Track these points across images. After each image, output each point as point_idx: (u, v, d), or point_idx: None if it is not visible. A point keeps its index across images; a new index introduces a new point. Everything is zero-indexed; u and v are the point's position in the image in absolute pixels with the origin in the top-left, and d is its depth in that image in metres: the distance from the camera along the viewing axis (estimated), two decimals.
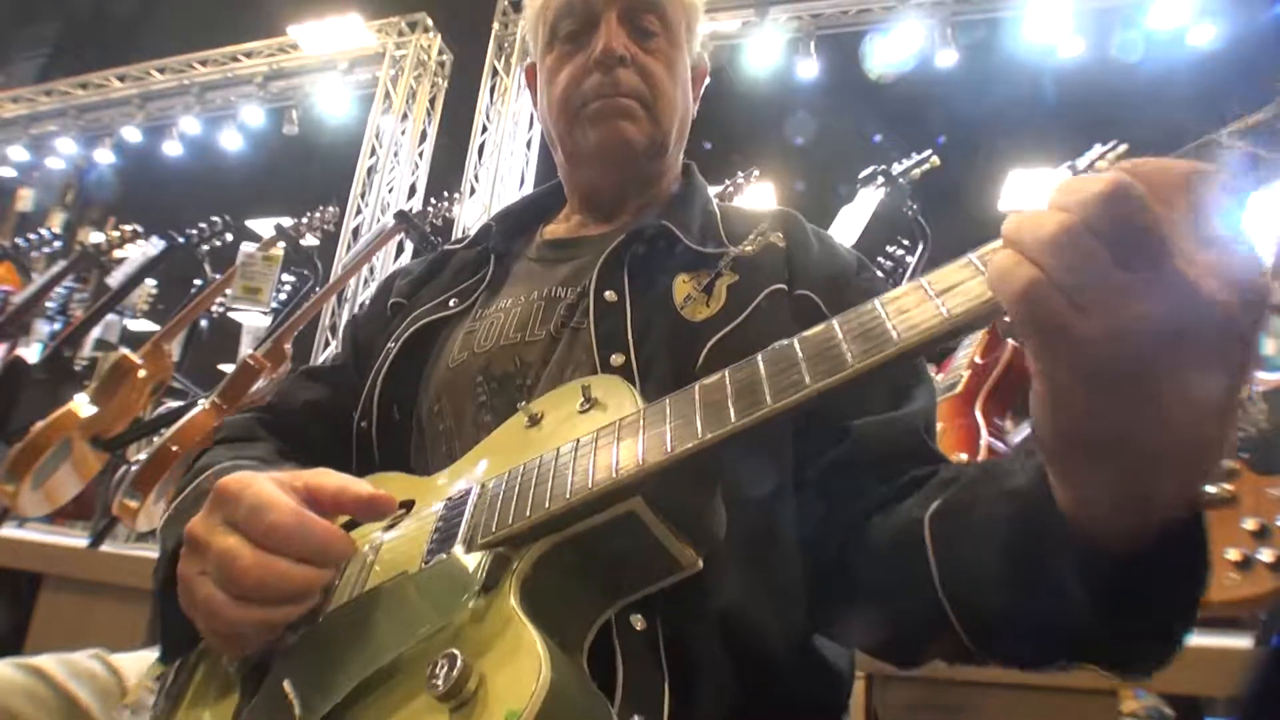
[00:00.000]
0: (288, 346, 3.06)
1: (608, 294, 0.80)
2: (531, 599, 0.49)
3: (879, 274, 0.92)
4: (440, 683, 0.44)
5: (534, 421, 0.64)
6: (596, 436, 0.53)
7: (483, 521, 0.54)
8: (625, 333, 0.77)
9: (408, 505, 0.68)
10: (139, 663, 0.82)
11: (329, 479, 0.61)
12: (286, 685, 0.54)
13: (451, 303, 0.92)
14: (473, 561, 0.52)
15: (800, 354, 0.49)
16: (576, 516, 0.50)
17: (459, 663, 0.44)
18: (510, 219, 1.02)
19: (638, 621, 0.60)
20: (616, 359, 0.75)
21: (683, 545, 0.52)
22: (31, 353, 3.41)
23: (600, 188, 0.97)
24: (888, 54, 4.18)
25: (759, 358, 0.50)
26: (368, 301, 1.08)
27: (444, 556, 0.54)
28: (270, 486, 0.58)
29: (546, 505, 0.51)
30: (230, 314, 3.66)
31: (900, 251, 2.70)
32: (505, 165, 4.77)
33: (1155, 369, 0.38)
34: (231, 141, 5.62)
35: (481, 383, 0.80)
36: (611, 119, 0.90)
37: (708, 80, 1.06)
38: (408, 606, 0.53)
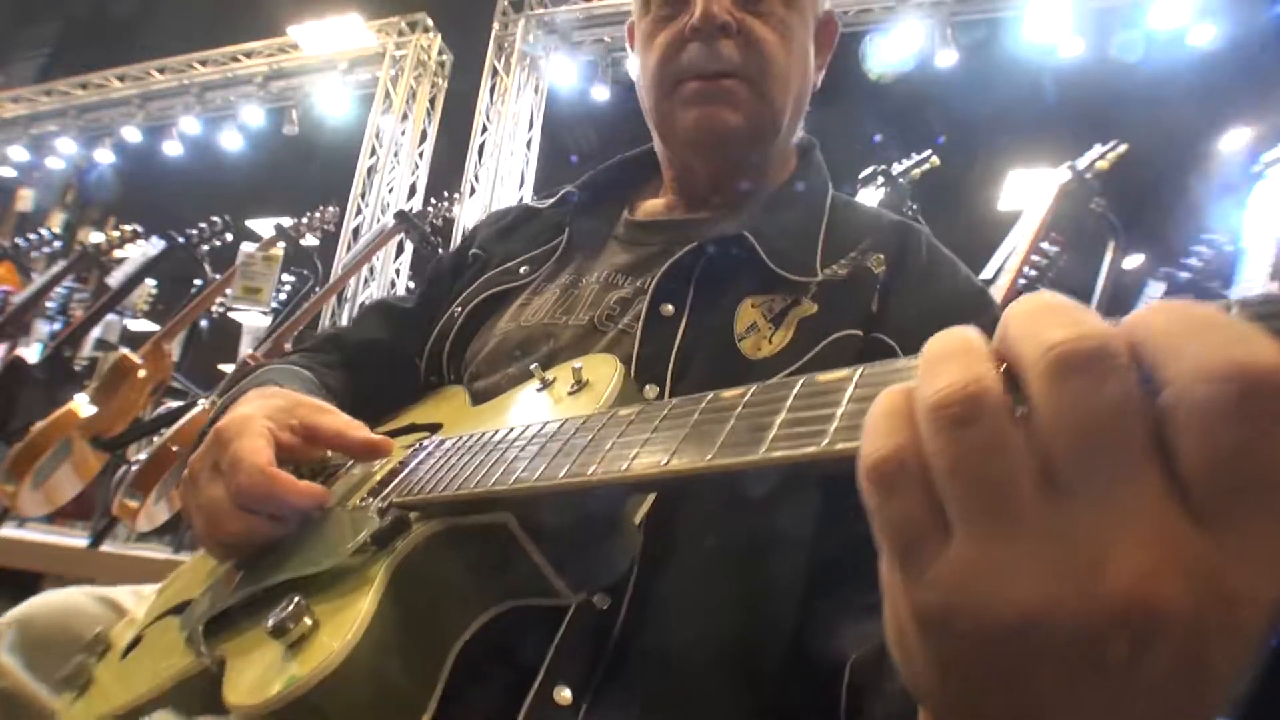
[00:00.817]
0: (288, 346, 3.06)
1: (664, 307, 0.72)
2: (413, 571, 0.48)
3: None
4: (272, 618, 0.46)
5: (545, 385, 0.62)
6: (520, 433, 0.50)
7: (409, 481, 0.55)
8: (668, 359, 0.68)
9: (436, 428, 0.70)
10: None
11: (330, 421, 0.64)
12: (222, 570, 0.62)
13: (522, 270, 0.86)
14: (377, 517, 0.52)
15: (741, 406, 0.36)
16: (461, 509, 0.49)
17: (294, 604, 0.47)
18: (597, 186, 0.92)
19: (562, 695, 0.57)
20: (650, 390, 0.67)
21: (558, 577, 0.49)
22: (31, 353, 3.41)
23: (696, 173, 0.86)
24: (888, 54, 4.18)
25: (716, 395, 0.39)
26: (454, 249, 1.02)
27: (368, 502, 0.56)
28: (253, 442, 0.59)
29: (441, 489, 0.50)
30: (230, 314, 3.66)
31: None
32: (505, 165, 4.77)
33: (1027, 672, 0.24)
34: (231, 141, 5.63)
35: (518, 357, 0.76)
36: (709, 104, 0.79)
37: (838, 37, 0.91)
38: (318, 540, 0.56)
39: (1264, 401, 0.21)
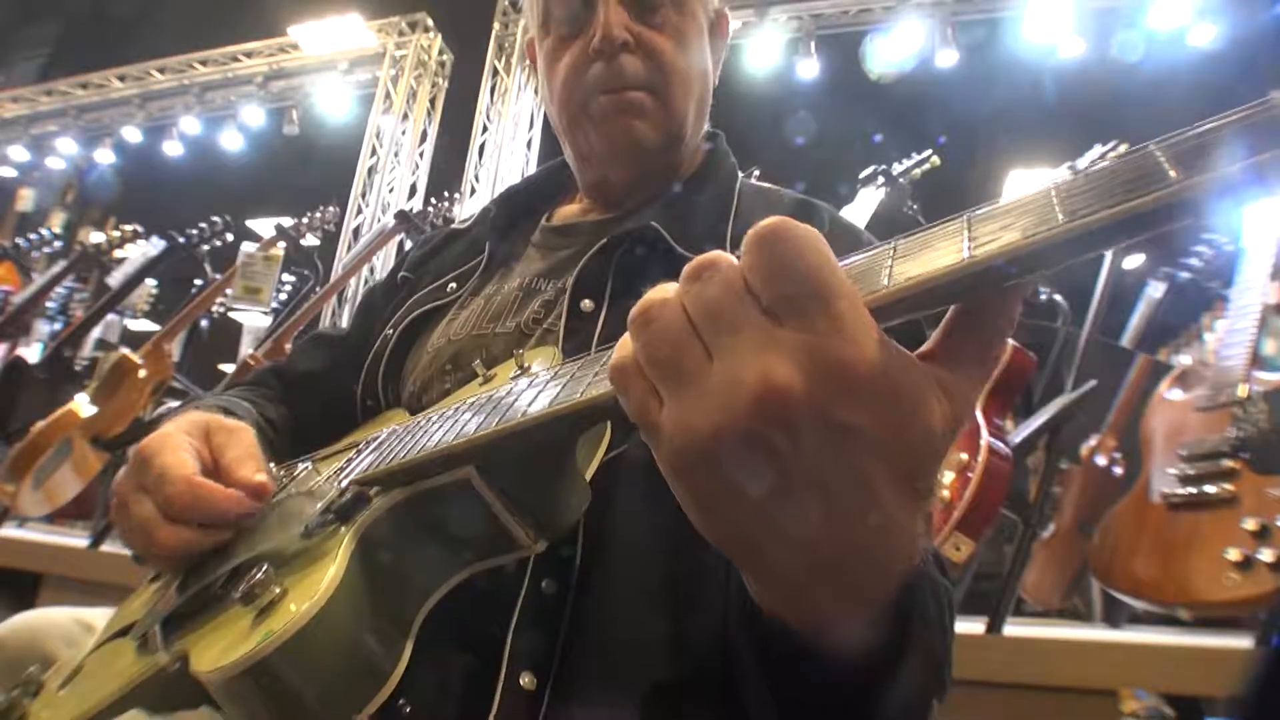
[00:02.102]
0: (288, 346, 3.06)
1: (584, 303, 0.75)
2: (377, 538, 0.51)
3: None
4: (242, 586, 0.48)
5: (486, 381, 0.64)
6: (474, 400, 0.53)
7: (366, 462, 0.57)
8: (590, 351, 0.72)
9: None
10: None
11: (231, 448, 0.65)
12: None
13: (450, 287, 0.88)
14: (335, 494, 0.54)
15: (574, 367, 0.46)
16: (422, 473, 0.51)
17: (263, 572, 0.49)
18: (513, 200, 0.96)
19: (527, 679, 0.59)
20: None
21: (519, 524, 0.51)
22: (31, 353, 3.41)
23: (613, 183, 0.89)
24: (888, 54, 4.19)
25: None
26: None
27: (323, 488, 0.58)
28: (176, 456, 0.62)
29: (404, 457, 0.52)
30: (230, 314, 3.66)
31: None
32: (505, 165, 4.77)
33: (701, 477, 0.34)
34: (231, 141, 5.63)
35: (450, 371, 0.78)
36: (619, 117, 0.83)
37: (731, 33, 0.95)
38: (272, 525, 0.58)
39: (772, 236, 0.33)
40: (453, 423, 0.51)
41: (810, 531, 0.33)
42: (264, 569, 0.49)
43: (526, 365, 0.59)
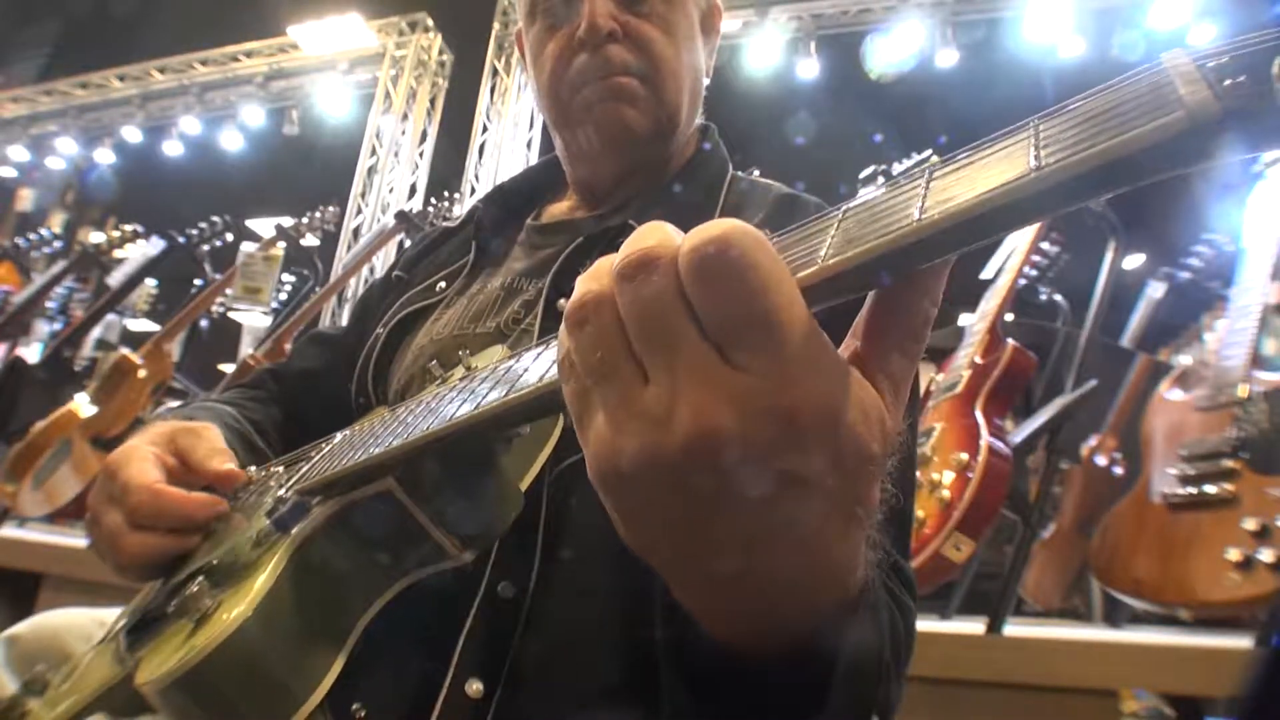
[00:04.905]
0: (288, 347, 3.06)
1: (560, 302, 0.74)
2: (313, 550, 0.50)
3: None
4: (177, 600, 0.49)
5: (444, 380, 0.64)
6: (404, 410, 0.53)
7: (310, 472, 0.57)
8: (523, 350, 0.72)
9: None
10: None
11: (198, 448, 0.67)
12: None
13: (439, 286, 0.88)
14: (278, 505, 0.54)
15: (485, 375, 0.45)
16: (350, 484, 0.51)
17: (199, 586, 0.49)
18: (502, 198, 0.95)
19: (473, 687, 0.59)
20: None
21: (444, 535, 0.50)
22: (31, 353, 3.41)
23: (602, 176, 0.87)
24: (888, 54, 4.19)
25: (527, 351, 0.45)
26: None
27: (273, 497, 0.58)
28: (140, 466, 0.63)
29: (333, 469, 0.52)
30: (230, 314, 3.66)
31: None
32: (505, 165, 4.77)
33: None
34: (231, 141, 5.63)
35: (434, 367, 0.79)
36: (608, 103, 0.80)
37: (730, 33, 0.95)
38: (224, 535, 0.59)
39: (708, 261, 0.28)
40: (386, 430, 0.51)
41: (731, 564, 0.31)
42: (199, 583, 0.49)
43: (473, 366, 0.58)
